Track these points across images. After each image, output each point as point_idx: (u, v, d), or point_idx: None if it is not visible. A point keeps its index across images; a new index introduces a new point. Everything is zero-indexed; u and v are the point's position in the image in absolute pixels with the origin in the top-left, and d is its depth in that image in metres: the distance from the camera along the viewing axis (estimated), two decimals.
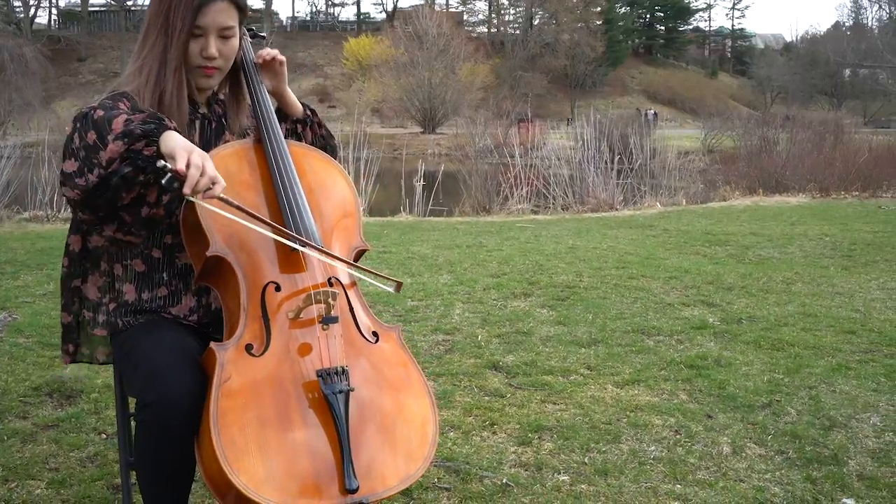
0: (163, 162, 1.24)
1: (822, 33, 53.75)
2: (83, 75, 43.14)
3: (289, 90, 1.66)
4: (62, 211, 9.09)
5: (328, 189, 1.56)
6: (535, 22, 48.51)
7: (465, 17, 51.91)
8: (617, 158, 11.38)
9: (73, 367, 2.83)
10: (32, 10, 44.87)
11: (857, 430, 2.37)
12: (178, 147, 1.26)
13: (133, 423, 1.67)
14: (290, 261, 1.43)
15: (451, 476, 2.02)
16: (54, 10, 49.03)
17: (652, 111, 36.51)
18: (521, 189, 10.26)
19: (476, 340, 3.27)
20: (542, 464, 2.10)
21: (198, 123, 1.58)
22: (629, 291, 4.25)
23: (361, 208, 1.61)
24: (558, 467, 2.09)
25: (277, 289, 1.39)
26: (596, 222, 7.99)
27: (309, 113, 1.71)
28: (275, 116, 1.58)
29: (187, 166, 1.24)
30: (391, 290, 1.51)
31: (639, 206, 10.45)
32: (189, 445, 1.32)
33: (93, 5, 48.21)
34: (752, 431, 2.36)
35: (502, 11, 51.99)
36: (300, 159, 1.56)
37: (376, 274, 1.48)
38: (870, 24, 48.35)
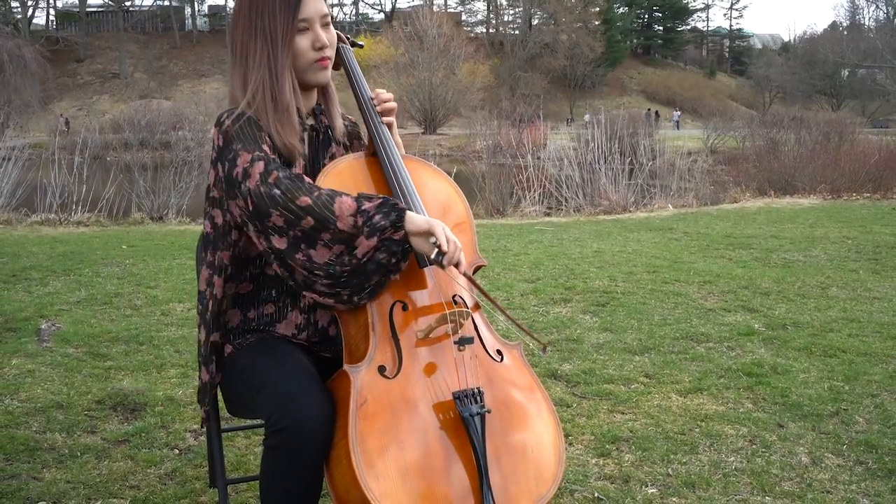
0: (435, 243, 1.32)
1: (819, 33, 53.96)
2: (81, 76, 42.96)
3: (395, 132, 1.63)
4: (73, 214, 9.03)
5: (442, 202, 1.54)
6: (534, 22, 48.56)
7: (464, 17, 51.93)
8: (628, 161, 11.38)
9: (131, 378, 2.81)
10: (30, 11, 44.66)
11: None
12: (433, 225, 1.33)
13: (216, 439, 1.65)
14: (414, 278, 1.41)
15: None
16: (52, 11, 48.80)
17: (678, 113, 36.49)
18: (534, 191, 10.25)
19: (528, 348, 3.25)
20: (628, 476, 2.08)
21: (306, 135, 1.55)
22: (667, 297, 4.24)
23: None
24: (644, 480, 2.07)
25: (404, 308, 1.37)
26: (614, 225, 7.98)
27: None
28: (385, 128, 1.56)
29: (447, 242, 1.32)
30: (539, 350, 1.50)
31: (650, 207, 10.45)
32: (319, 469, 1.30)
33: (90, 6, 48.00)
34: (826, 441, 2.35)
35: (501, 12, 52.01)
36: (412, 171, 1.53)
37: (528, 333, 1.47)
38: (867, 23, 48.58)
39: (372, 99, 1.59)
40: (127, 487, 2.00)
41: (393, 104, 1.60)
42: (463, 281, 1.42)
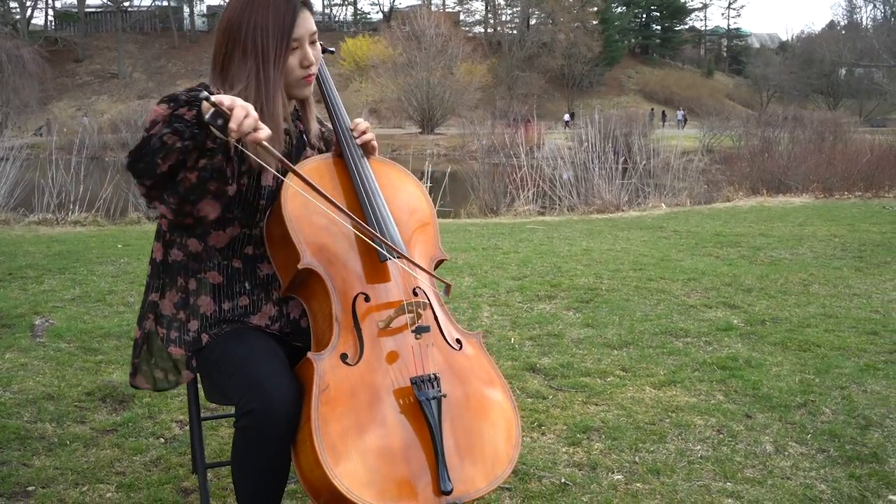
0: (206, 93, 1.24)
1: (816, 33, 54.08)
2: (80, 76, 43.06)
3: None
4: (70, 214, 9.11)
5: (405, 200, 1.62)
6: (532, 22, 48.65)
7: (462, 16, 52.02)
8: (622, 160, 11.47)
9: (121, 371, 2.89)
10: (29, 11, 44.74)
11: (892, 428, 2.44)
12: (222, 96, 1.27)
13: (197, 426, 1.73)
14: (377, 271, 1.49)
15: (510, 476, 2.07)
16: (51, 11, 48.88)
17: (682, 112, 36.56)
18: (528, 191, 10.33)
19: (510, 343, 3.33)
20: (596, 464, 2.16)
21: (282, 139, 1.62)
22: (650, 294, 4.32)
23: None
24: (612, 467, 2.15)
25: (367, 299, 1.45)
26: (605, 224, 8.06)
27: None
28: (349, 130, 1.63)
29: (231, 107, 1.24)
30: (443, 292, 1.54)
31: (643, 206, 10.54)
32: (286, 450, 1.38)
33: (89, 6, 48.08)
34: (791, 431, 2.43)
35: (499, 11, 52.09)
36: (378, 172, 1.61)
37: (431, 274, 1.51)
38: (864, 23, 48.70)
39: (340, 108, 1.66)
40: (113, 473, 2.08)
41: (370, 136, 1.63)
42: (419, 274, 1.48)
